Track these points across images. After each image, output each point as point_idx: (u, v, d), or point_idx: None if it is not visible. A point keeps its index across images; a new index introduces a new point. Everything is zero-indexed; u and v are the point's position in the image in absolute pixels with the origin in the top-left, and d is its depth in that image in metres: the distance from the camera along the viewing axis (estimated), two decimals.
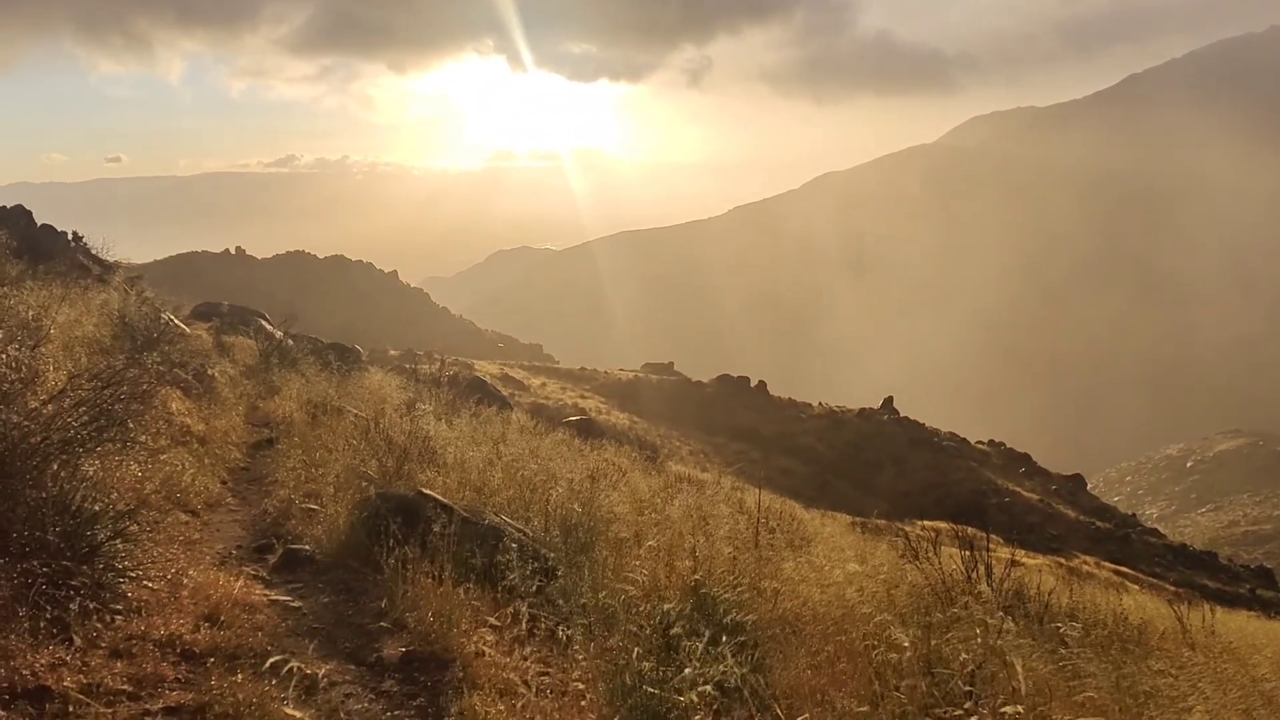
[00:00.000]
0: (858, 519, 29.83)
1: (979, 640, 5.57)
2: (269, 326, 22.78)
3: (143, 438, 6.83)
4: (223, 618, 5.02)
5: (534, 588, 5.66)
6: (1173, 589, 35.13)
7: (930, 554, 11.06)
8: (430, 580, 5.48)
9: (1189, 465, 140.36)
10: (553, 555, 6.40)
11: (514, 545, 6.17)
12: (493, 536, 6.39)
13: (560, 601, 5.55)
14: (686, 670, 4.55)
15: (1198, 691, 6.06)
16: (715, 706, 4.87)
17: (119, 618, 4.66)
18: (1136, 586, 32.33)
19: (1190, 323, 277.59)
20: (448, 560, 5.74)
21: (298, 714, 4.15)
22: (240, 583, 5.73)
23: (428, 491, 7.02)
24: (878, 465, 59.99)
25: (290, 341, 20.41)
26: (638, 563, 6.82)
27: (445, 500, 6.89)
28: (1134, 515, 70.12)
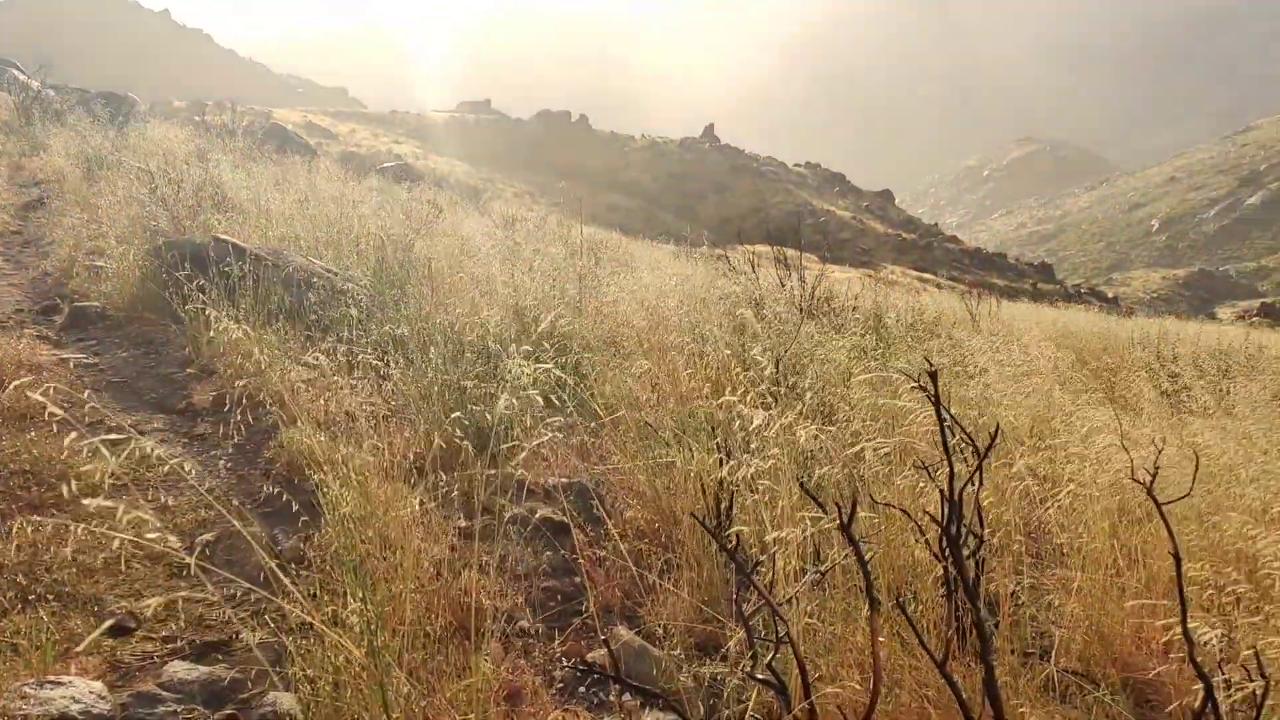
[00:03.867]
0: (682, 246, 30.54)
1: (789, 333, 5.91)
2: (23, 77, 20.09)
3: None
4: (6, 379, 4.68)
5: (348, 323, 5.52)
6: (967, 288, 38.29)
7: (748, 271, 11.52)
8: (235, 324, 5.25)
9: (985, 174, 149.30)
10: (366, 291, 6.24)
11: (323, 284, 5.95)
12: (300, 276, 6.13)
13: (376, 334, 5.46)
14: (506, 379, 4.62)
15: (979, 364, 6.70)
16: (540, 415, 5.04)
17: None
18: (936, 289, 35.06)
19: (987, 30, 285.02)
20: (253, 303, 5.50)
21: (104, 464, 4.00)
22: (24, 344, 5.33)
23: (224, 237, 6.60)
24: (701, 194, 60.80)
25: (51, 93, 18.17)
26: (456, 294, 6.77)
27: (245, 245, 6.51)
28: (936, 225, 74.70)
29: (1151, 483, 1.91)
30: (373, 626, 2.19)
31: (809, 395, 4.70)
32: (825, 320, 8.33)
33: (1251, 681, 1.79)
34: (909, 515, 1.71)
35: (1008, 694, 3.02)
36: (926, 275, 46.60)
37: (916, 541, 2.90)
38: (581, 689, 2.88)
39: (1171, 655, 3.32)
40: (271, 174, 12.86)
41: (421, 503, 3.56)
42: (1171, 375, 9.21)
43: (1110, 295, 60.80)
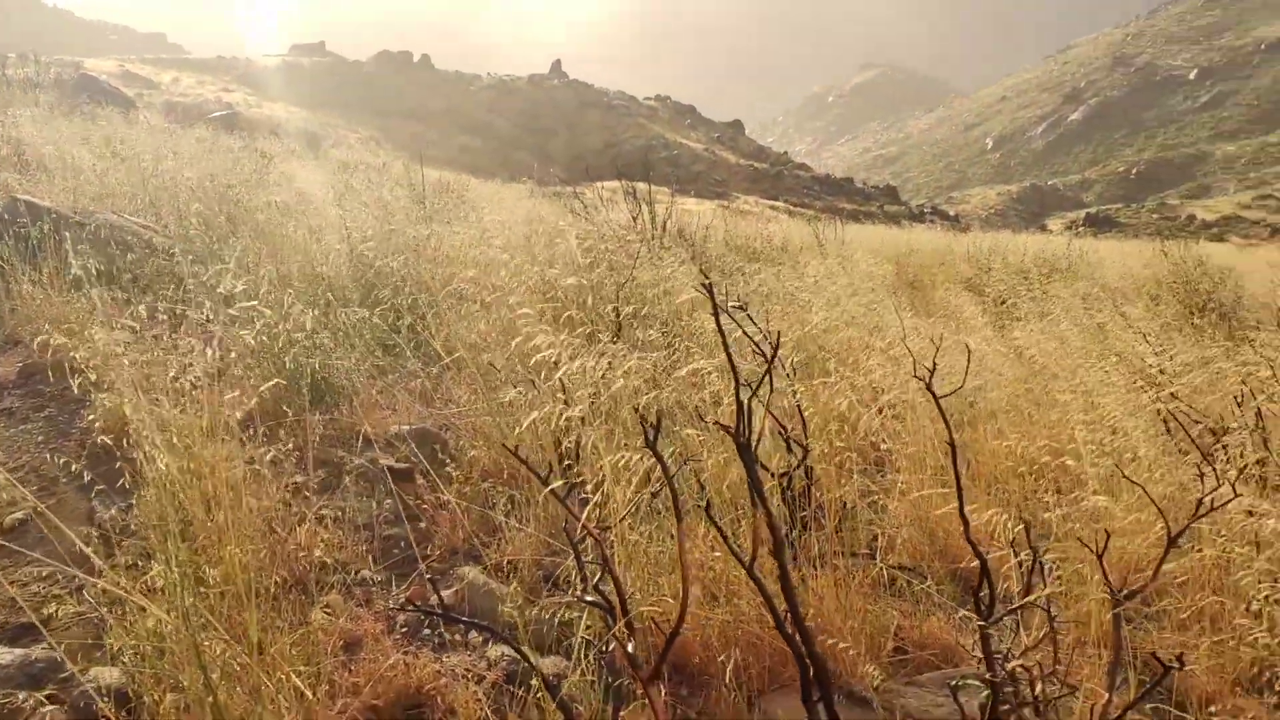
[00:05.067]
0: (535, 186, 30.17)
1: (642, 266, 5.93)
2: None
3: None
4: None
5: (169, 281, 5.25)
6: (817, 214, 39.34)
7: (598, 207, 11.51)
8: (39, 289, 4.91)
9: (830, 101, 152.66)
10: (190, 249, 5.92)
11: (140, 242, 5.62)
12: (113, 235, 5.77)
13: (200, 291, 5.20)
14: (340, 328, 4.51)
15: (814, 279, 6.92)
16: (381, 363, 4.94)
17: None
18: (787, 216, 35.87)
19: None
20: (57, 265, 5.14)
21: None
22: None
23: (23, 196, 6.12)
24: (552, 131, 60.03)
25: None
26: (288, 245, 6.51)
27: (47, 204, 6.06)
28: (786, 154, 75.96)
29: (930, 378, 2.02)
30: (180, 588, 2.12)
31: (650, 328, 4.75)
32: (676, 252, 8.41)
33: (1036, 558, 1.93)
34: (723, 427, 1.76)
35: (842, 591, 3.18)
36: (778, 203, 47.54)
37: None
38: (426, 631, 2.88)
39: (994, 542, 3.56)
40: (82, 129, 11.99)
41: (252, 460, 3.44)
42: (996, 285, 9.70)
43: (952, 213, 63.55)
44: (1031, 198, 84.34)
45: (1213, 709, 2.93)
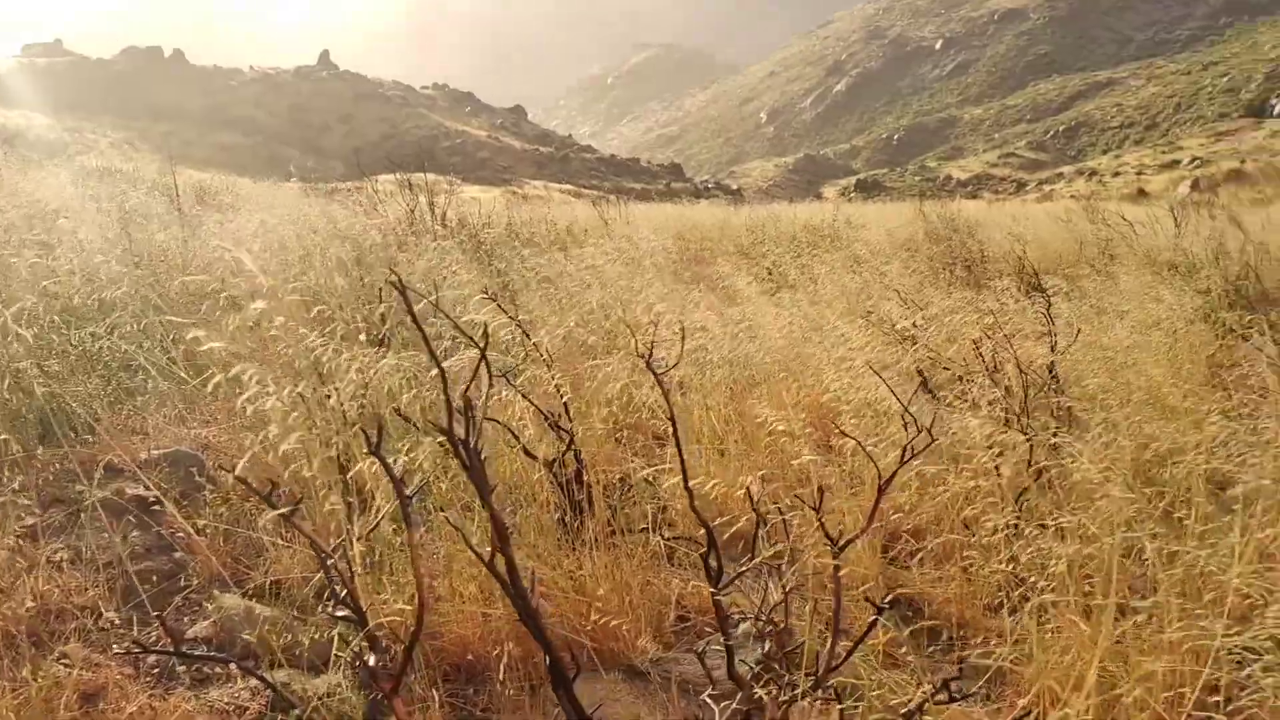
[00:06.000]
0: (309, 184, 28.84)
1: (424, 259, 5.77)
2: None
3: None
4: None
5: None
6: (605, 195, 39.79)
7: (376, 202, 11.12)
8: None
9: (610, 82, 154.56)
10: None
11: None
12: None
13: None
14: (70, 352, 4.14)
15: (593, 261, 6.97)
16: (127, 388, 4.58)
17: None
18: (575, 198, 36.07)
19: None
20: None
21: None
22: None
23: None
24: (325, 126, 57.69)
25: None
26: (11, 268, 5.92)
27: None
28: (570, 136, 76.31)
29: (649, 356, 2.06)
30: None
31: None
32: (453, 243, 8.25)
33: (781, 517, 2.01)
34: (437, 428, 1.71)
35: (620, 570, 3.22)
36: (567, 186, 47.73)
37: (511, 449, 2.98)
38: (181, 668, 2.70)
39: (774, 507, 3.70)
40: None
41: None
42: (769, 255, 10.12)
43: (735, 187, 65.81)
44: (806, 168, 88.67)
45: (964, 632, 3.19)
